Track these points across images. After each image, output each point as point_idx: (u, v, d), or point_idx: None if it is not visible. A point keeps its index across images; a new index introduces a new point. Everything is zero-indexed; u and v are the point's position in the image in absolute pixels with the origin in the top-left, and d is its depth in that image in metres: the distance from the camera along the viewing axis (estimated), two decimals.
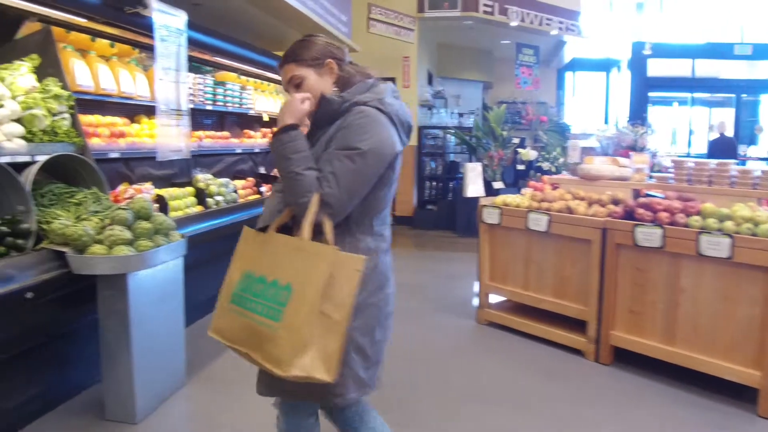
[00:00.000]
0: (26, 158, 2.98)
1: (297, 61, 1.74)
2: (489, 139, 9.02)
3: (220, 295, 1.68)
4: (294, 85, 1.74)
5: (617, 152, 7.40)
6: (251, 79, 6.33)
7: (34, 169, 2.89)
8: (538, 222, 4.19)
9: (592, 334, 3.96)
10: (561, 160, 8.92)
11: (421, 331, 4.59)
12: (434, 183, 9.78)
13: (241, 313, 1.58)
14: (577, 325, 4.11)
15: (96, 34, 3.93)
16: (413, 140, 9.47)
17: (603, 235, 3.85)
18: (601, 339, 3.91)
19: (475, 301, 5.33)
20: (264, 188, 5.42)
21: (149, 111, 4.64)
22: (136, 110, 4.39)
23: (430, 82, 11.09)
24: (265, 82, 6.70)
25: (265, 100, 6.46)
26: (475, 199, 8.82)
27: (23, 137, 3.01)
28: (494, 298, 4.77)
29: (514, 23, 9.26)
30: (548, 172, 8.79)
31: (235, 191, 4.92)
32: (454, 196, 9.42)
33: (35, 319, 2.63)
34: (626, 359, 3.88)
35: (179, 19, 3.60)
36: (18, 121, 3.01)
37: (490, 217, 4.54)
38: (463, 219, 8.83)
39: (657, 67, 12.87)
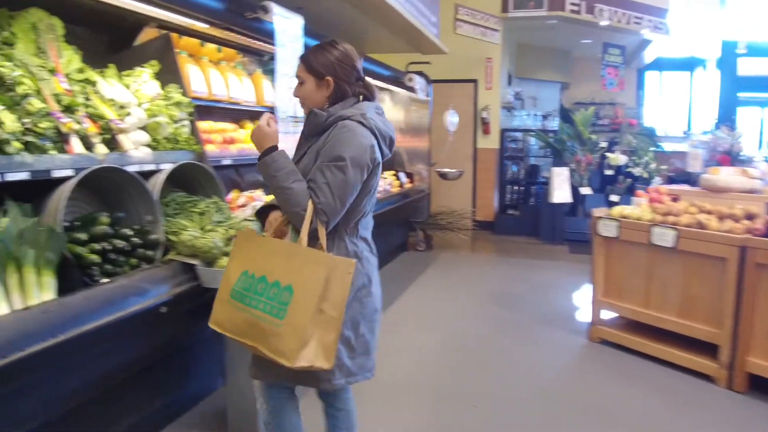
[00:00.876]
0: (151, 167, 2.91)
1: (306, 64, 1.94)
2: (575, 143, 8.62)
3: (219, 289, 1.90)
4: (299, 82, 1.96)
5: (713, 158, 6.90)
6: None
7: (162, 177, 2.82)
8: (664, 237, 3.85)
9: (724, 359, 3.60)
10: (653, 165, 8.44)
11: (527, 345, 4.34)
12: (516, 187, 9.44)
13: (242, 308, 1.78)
14: (703, 347, 3.76)
15: (206, 38, 3.87)
16: (495, 143, 9.17)
17: (741, 253, 3.49)
18: (736, 365, 3.55)
19: (579, 315, 5.03)
20: None
21: (253, 116, 4.57)
22: (241, 115, 4.32)
23: (509, 83, 10.75)
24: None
25: None
26: (562, 205, 8.50)
27: (148, 145, 2.94)
28: (604, 314, 4.45)
29: (604, 22, 8.82)
30: (640, 179, 8.34)
31: None
32: (537, 201, 9.06)
33: (165, 333, 2.53)
34: (764, 388, 3.51)
35: (297, 23, 3.47)
36: (143, 128, 2.94)
37: (607, 229, 4.22)
38: (548, 225, 8.48)
39: (748, 66, 12.07)
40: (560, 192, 8.22)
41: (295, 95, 2.00)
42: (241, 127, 4.19)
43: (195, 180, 3.25)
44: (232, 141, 3.81)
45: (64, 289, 2.18)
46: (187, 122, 3.23)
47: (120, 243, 2.46)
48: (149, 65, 3.24)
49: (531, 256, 7.63)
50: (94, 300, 2.13)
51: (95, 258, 2.29)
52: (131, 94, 2.92)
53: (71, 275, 2.23)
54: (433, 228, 7.58)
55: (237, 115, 4.28)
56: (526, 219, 8.97)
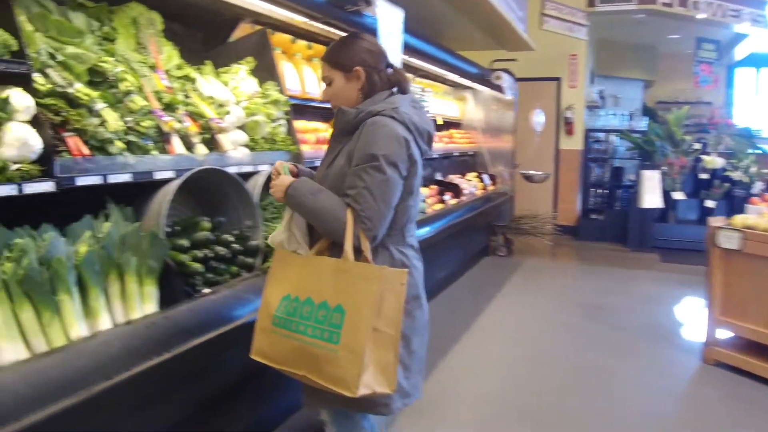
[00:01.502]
0: (249, 168, 2.73)
1: (330, 61, 1.82)
2: (666, 144, 8.03)
3: (259, 318, 1.76)
4: (326, 83, 1.84)
5: None
6: (425, 80, 5.94)
7: (261, 180, 2.63)
8: None
9: None
10: (753, 169, 7.76)
11: (629, 365, 3.94)
12: (599, 190, 8.90)
13: (288, 336, 1.64)
14: None
15: (299, 34, 3.68)
16: (578, 144, 8.68)
17: None
18: None
19: (687, 332, 4.57)
20: (447, 196, 5.00)
21: None
22: (330, 115, 4.12)
23: (591, 81, 10.19)
24: (437, 83, 6.29)
25: (438, 102, 6.05)
26: (651, 211, 7.93)
27: (246, 145, 2.76)
28: (719, 334, 3.99)
29: (701, 15, 8.17)
30: (739, 183, 7.68)
31: (424, 200, 4.53)
32: (624, 206, 8.50)
33: None
34: None
35: (398, 16, 3.23)
36: (240, 128, 2.76)
37: (728, 241, 3.77)
38: (636, 231, 7.93)
39: None
40: (651, 196, 7.66)
41: (325, 99, 1.87)
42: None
43: None
44: (325, 141, 3.61)
45: (164, 300, 2.01)
46: (283, 121, 3.05)
47: (221, 250, 2.28)
48: (245, 62, 3.08)
49: (619, 265, 7.13)
50: (199, 313, 1.95)
51: (198, 267, 2.12)
52: (230, 92, 2.74)
53: (172, 284, 2.05)
54: (516, 232, 7.20)
55: (326, 114, 4.08)
56: (611, 224, 8.43)
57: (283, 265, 1.81)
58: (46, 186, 1.82)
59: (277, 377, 2.74)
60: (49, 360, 1.51)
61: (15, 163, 1.76)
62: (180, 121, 2.37)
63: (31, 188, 1.77)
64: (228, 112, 2.65)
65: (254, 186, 2.58)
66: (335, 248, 1.76)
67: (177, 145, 2.33)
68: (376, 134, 1.67)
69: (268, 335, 1.72)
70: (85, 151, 1.95)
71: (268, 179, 2.63)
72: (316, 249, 1.79)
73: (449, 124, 6.50)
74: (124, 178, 2.07)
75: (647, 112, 11.14)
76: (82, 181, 1.92)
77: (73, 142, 1.94)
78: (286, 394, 2.89)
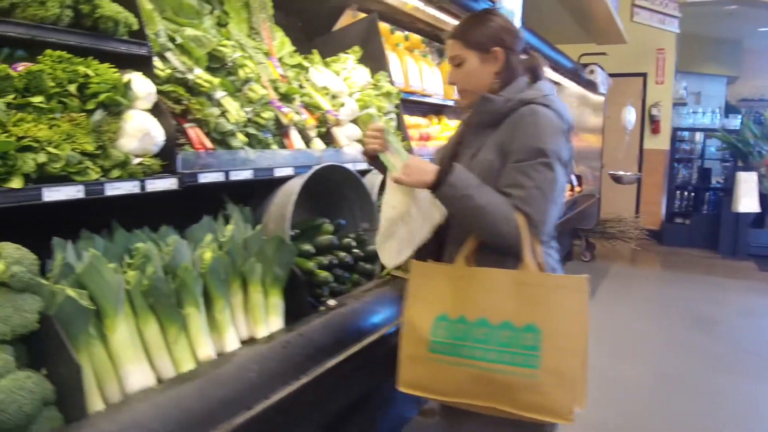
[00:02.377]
0: (363, 165, 2.44)
1: (463, 39, 1.55)
2: (763, 144, 7.35)
3: (404, 344, 1.48)
4: (455, 64, 1.57)
5: None
6: None
7: (378, 180, 2.33)
8: None
9: None
10: None
11: (756, 389, 3.45)
12: (685, 193, 8.27)
13: (458, 363, 1.38)
14: None
15: (398, 23, 3.40)
16: (663, 144, 8.08)
17: None
18: None
19: None
20: None
21: (438, 110, 4.06)
22: (429, 110, 3.82)
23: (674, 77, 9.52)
24: None
25: None
26: (746, 215, 7.27)
27: (359, 140, 2.48)
28: None
29: None
30: None
31: None
32: (712, 210, 7.86)
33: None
34: None
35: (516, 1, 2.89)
36: (353, 122, 2.48)
37: None
38: (729, 237, 7.30)
39: None
40: (747, 200, 7.02)
41: (451, 81, 1.60)
42: (434, 123, 3.68)
43: None
44: (428, 138, 3.31)
45: (287, 312, 1.74)
46: (393, 115, 2.75)
47: (345, 256, 2.00)
48: (352, 51, 2.80)
49: (713, 273, 6.54)
50: (334, 329, 1.67)
51: (327, 276, 1.84)
52: (343, 83, 2.47)
53: (296, 295, 1.78)
54: (601, 236, 6.71)
55: (425, 109, 3.78)
56: (699, 229, 7.80)
57: (426, 280, 1.49)
58: (168, 183, 1.57)
59: (389, 391, 2.45)
60: (184, 389, 1.26)
61: (136, 156, 1.52)
62: (298, 113, 2.10)
63: (153, 185, 1.53)
64: (342, 104, 2.37)
65: (372, 185, 2.29)
66: (482, 256, 1.47)
67: (296, 139, 2.07)
68: (539, 126, 1.44)
69: (424, 364, 1.43)
70: (208, 144, 1.70)
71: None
72: (462, 257, 1.48)
73: None
74: (245, 175, 1.82)
75: (730, 109, 10.36)
76: (204, 177, 1.67)
77: (195, 133, 1.70)
78: (392, 409, 2.61)
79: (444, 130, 3.71)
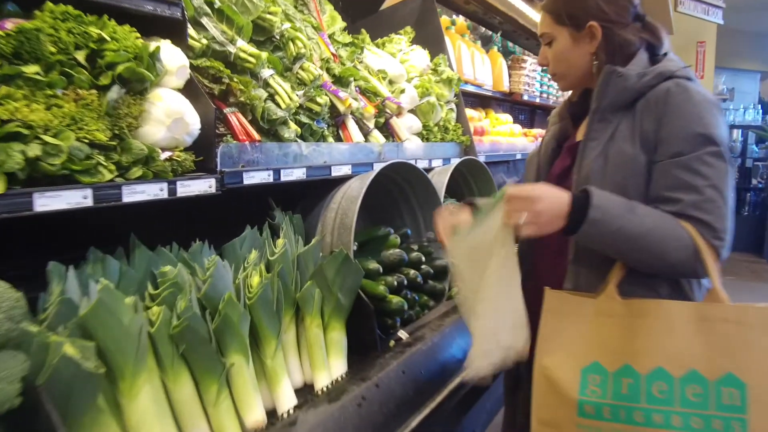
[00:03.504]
0: (424, 163, 2.04)
1: (553, 13, 1.22)
2: None
3: (538, 407, 1.08)
4: (545, 43, 1.24)
5: None
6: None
7: (445, 179, 1.92)
8: None
9: None
10: None
11: None
12: None
13: (627, 429, 0.99)
14: None
15: (447, 4, 2.98)
16: None
17: None
18: None
19: None
20: None
21: (485, 104, 3.63)
22: (476, 102, 3.39)
23: None
24: None
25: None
26: None
27: (419, 134, 2.07)
28: None
29: None
30: None
31: None
32: (753, 211, 7.35)
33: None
34: None
35: None
36: (411, 111, 2.07)
37: None
38: None
39: None
40: None
41: (541, 63, 1.28)
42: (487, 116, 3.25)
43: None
44: (482, 132, 2.88)
45: (350, 348, 1.34)
46: (453, 105, 2.33)
47: (415, 275, 1.58)
48: (404, 32, 2.38)
49: (752, 278, 6.05)
50: (412, 374, 1.27)
51: (400, 302, 1.43)
52: (401, 66, 2.05)
53: (363, 328, 1.38)
54: None
55: (473, 101, 3.36)
56: (741, 231, 7.28)
57: (566, 317, 1.11)
58: (205, 185, 1.17)
59: None
60: None
61: (164, 149, 1.12)
62: (357, 99, 1.69)
63: (187, 189, 1.13)
64: (402, 90, 1.96)
65: (440, 187, 1.87)
66: (631, 286, 1.08)
67: (354, 130, 1.66)
68: (696, 105, 1.09)
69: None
70: (255, 134, 1.29)
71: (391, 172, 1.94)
72: (613, 286, 1.08)
73: None
74: (297, 174, 1.41)
75: (764, 106, 9.81)
76: (250, 178, 1.26)
77: (238, 121, 1.29)
78: None
79: (495, 125, 3.29)
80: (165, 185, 1.08)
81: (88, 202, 0.95)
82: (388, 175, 1.80)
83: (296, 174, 1.41)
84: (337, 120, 1.66)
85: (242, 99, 1.31)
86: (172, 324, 0.99)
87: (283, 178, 1.36)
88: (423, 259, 1.67)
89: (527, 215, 1.05)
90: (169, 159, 1.12)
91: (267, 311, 1.17)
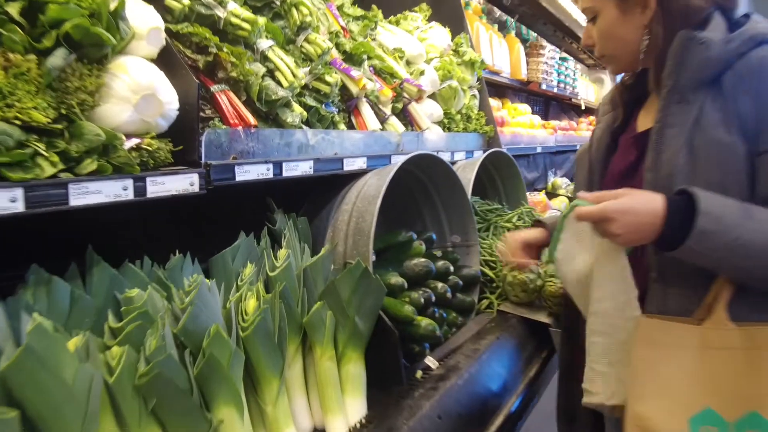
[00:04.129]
0: (446, 155, 1.77)
1: None
2: None
3: None
4: (589, 18, 1.03)
5: None
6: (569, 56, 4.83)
7: (472, 176, 1.65)
8: None
9: None
10: None
11: None
12: None
13: None
14: None
15: None
16: None
17: None
18: None
19: None
20: None
21: (501, 92, 3.36)
22: (491, 91, 3.12)
23: None
24: (579, 63, 5.16)
25: (583, 84, 4.93)
26: None
27: (440, 122, 1.80)
28: None
29: None
30: None
31: None
32: None
33: None
34: None
35: None
36: (430, 97, 1.80)
37: None
38: None
39: None
40: None
41: (586, 43, 1.06)
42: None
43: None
44: (502, 123, 2.61)
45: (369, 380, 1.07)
46: (476, 91, 2.06)
47: (443, 288, 1.31)
48: (419, 10, 2.11)
49: None
50: (449, 416, 1.00)
51: (431, 326, 1.16)
52: (420, 45, 1.78)
53: (385, 357, 1.11)
54: None
55: (489, 90, 3.08)
56: None
57: (661, 351, 0.85)
58: (185, 183, 0.90)
59: None
60: None
61: (130, 136, 0.85)
62: (372, 80, 1.42)
63: (160, 188, 0.85)
64: (422, 72, 1.69)
65: (467, 184, 1.60)
66: (742, 308, 0.84)
67: (369, 116, 1.39)
68: None
69: None
70: (251, 118, 1.02)
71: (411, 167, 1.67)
72: (722, 311, 0.83)
73: (590, 111, 5.37)
74: (303, 168, 1.14)
75: None
76: (243, 173, 0.99)
77: (229, 101, 1.02)
78: None
79: (514, 115, 3.02)
80: (130, 182, 0.81)
81: (18, 207, 0.68)
82: (407, 170, 1.54)
83: (301, 168, 1.13)
84: (349, 104, 1.39)
85: (234, 74, 1.04)
86: (139, 371, 0.72)
87: (285, 173, 1.09)
88: (451, 268, 1.40)
89: (608, 230, 0.82)
90: (137, 148, 0.85)
91: (267, 345, 0.90)
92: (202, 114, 1.00)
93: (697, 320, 0.86)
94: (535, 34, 4.04)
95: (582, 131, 4.42)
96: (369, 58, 1.52)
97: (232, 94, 1.05)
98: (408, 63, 1.74)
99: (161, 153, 0.90)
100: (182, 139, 0.94)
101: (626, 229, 0.82)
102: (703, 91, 0.89)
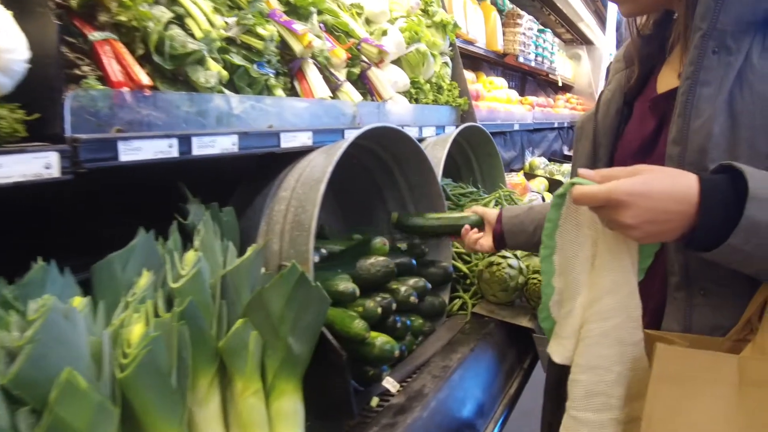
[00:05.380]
0: (413, 131, 1.52)
1: None
2: None
3: None
4: None
5: None
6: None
7: (443, 154, 1.41)
8: None
9: None
10: None
11: None
12: None
13: None
14: None
15: None
16: None
17: None
18: None
19: None
20: None
21: (477, 65, 3.12)
22: (467, 63, 2.87)
23: None
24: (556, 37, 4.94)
25: (560, 59, 4.72)
26: None
27: (405, 93, 1.55)
28: None
29: None
30: None
31: None
32: None
33: None
34: None
35: None
36: (395, 62, 1.55)
37: None
38: None
39: None
40: None
41: None
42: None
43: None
44: (477, 96, 2.37)
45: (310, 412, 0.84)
46: (447, 59, 1.81)
47: (408, 292, 1.08)
48: None
49: None
50: None
51: (388, 345, 0.92)
52: (384, 1, 1.52)
53: (329, 385, 0.88)
54: None
55: (464, 62, 2.84)
56: None
57: (685, 388, 0.63)
58: (37, 165, 0.64)
59: None
60: None
61: None
62: (320, 37, 1.16)
63: None
64: (384, 32, 1.43)
65: (437, 164, 1.36)
66: None
67: (317, 82, 1.13)
68: None
69: None
70: (144, 77, 0.76)
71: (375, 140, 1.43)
72: (762, 336, 0.61)
73: (566, 88, 5.18)
74: (224, 144, 0.88)
75: None
76: (130, 150, 0.74)
77: (114, 54, 0.76)
78: None
79: (489, 89, 2.79)
80: None
81: None
82: (366, 149, 1.29)
83: (221, 144, 0.88)
84: (291, 66, 1.13)
85: (123, 19, 0.77)
86: None
87: (197, 151, 0.83)
88: (415, 264, 1.16)
89: (618, 220, 0.60)
90: None
91: (158, 386, 0.65)
92: (76, 72, 0.74)
93: (731, 341, 0.64)
94: (512, 5, 3.79)
95: (559, 108, 4.21)
96: (319, 12, 1.26)
97: (120, 46, 0.78)
98: (368, 22, 1.48)
99: (3, 123, 0.64)
100: (39, 105, 0.67)
101: (644, 218, 0.60)
102: (749, 37, 0.66)
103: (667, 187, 0.60)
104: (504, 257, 1.29)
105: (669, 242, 0.71)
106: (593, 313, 0.69)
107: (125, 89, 0.74)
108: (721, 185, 0.60)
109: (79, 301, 0.69)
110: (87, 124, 0.70)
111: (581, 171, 0.66)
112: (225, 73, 0.90)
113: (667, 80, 0.77)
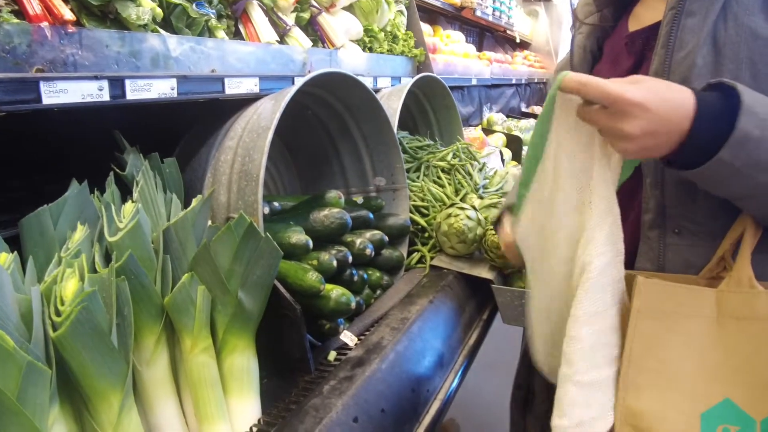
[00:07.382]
0: (368, 81, 1.48)
1: None
2: None
3: None
4: None
5: None
6: None
7: (398, 105, 1.38)
8: None
9: None
10: None
11: None
12: None
13: None
14: None
15: None
16: None
17: None
18: None
19: None
20: None
21: (433, 18, 3.06)
22: (423, 17, 2.82)
23: None
24: None
25: (518, 15, 4.68)
26: None
27: (359, 41, 1.50)
28: None
29: None
30: None
31: None
32: None
33: None
34: None
35: None
36: (347, 9, 1.49)
37: None
38: None
39: None
40: None
41: None
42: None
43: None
44: (434, 49, 2.33)
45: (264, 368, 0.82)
46: (402, 7, 1.76)
47: (364, 244, 1.06)
48: None
49: None
50: (369, 424, 0.76)
51: (344, 297, 0.90)
52: None
53: (283, 340, 0.86)
54: None
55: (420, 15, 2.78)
56: None
57: (663, 324, 0.64)
58: None
59: None
60: None
61: None
62: None
63: None
64: None
65: (392, 114, 1.33)
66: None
67: (263, 26, 1.07)
68: None
69: None
70: (67, 12, 0.69)
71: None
72: (745, 268, 0.63)
73: (524, 45, 5.16)
74: (162, 88, 0.83)
75: None
76: (55, 93, 0.67)
77: None
78: None
79: (447, 43, 2.74)
80: None
81: None
82: (319, 99, 1.24)
83: (158, 88, 0.82)
84: (235, 7, 1.06)
85: None
86: None
87: (131, 96, 0.77)
88: (371, 217, 1.14)
89: (620, 130, 0.58)
90: None
91: (96, 345, 0.62)
92: None
93: (705, 278, 0.64)
94: None
95: (517, 65, 4.20)
96: None
97: None
98: None
99: None
100: None
101: (647, 129, 0.58)
102: None
103: (669, 97, 0.58)
104: (462, 209, 1.28)
105: (646, 178, 0.70)
106: (589, 253, 0.65)
107: (45, 24, 0.68)
108: (714, 99, 0.59)
109: (5, 258, 0.64)
110: (2, 62, 0.64)
111: (570, 74, 0.61)
112: (159, 10, 0.83)
113: (640, 18, 0.76)
